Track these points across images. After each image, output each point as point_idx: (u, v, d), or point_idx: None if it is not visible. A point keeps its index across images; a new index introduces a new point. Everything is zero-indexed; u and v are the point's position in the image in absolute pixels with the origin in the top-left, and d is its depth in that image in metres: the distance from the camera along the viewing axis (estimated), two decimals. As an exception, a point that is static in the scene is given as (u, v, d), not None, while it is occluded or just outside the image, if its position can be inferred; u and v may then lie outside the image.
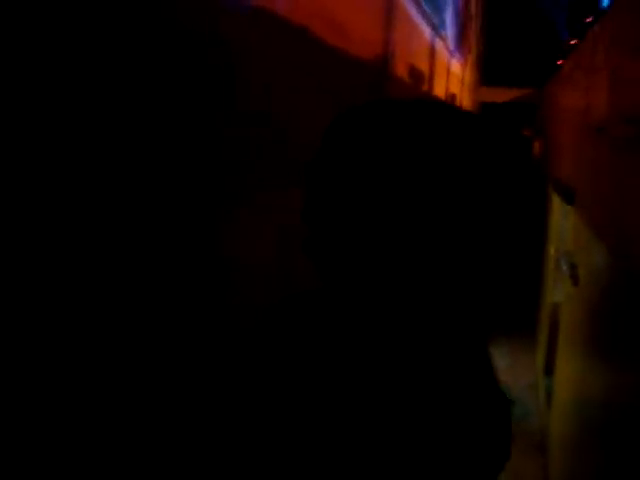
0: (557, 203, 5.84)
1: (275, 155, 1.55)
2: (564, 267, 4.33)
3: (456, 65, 6.19)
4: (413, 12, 3.85)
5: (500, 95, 9.32)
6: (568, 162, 4.67)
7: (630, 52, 2.92)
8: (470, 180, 0.85)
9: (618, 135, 2.81)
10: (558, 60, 6.26)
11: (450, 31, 5.49)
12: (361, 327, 0.91)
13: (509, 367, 6.06)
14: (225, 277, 1.31)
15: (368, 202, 0.86)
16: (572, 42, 5.66)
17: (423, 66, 4.42)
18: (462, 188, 0.84)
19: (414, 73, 4.16)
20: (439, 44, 5.02)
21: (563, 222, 5.52)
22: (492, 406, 0.92)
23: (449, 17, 5.46)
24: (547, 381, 5.17)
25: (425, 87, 4.68)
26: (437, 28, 4.88)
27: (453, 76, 6.12)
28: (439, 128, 0.86)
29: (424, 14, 4.22)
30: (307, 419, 0.89)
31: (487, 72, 8.48)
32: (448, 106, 0.91)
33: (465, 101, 7.25)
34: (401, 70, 3.73)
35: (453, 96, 6.29)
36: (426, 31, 4.43)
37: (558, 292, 5.80)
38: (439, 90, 5.40)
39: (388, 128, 0.86)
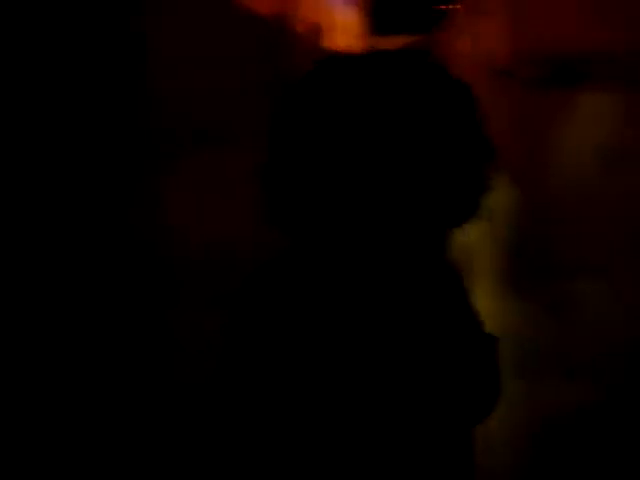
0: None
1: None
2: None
3: (349, 16, 6.20)
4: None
5: (390, 43, 9.43)
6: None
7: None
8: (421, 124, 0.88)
9: (524, 76, 2.92)
10: (445, 5, 6.38)
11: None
12: (342, 270, 0.94)
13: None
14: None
15: (331, 151, 0.88)
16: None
17: (321, 20, 4.40)
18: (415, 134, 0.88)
19: (314, 27, 4.14)
20: (334, -4, 5.00)
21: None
22: (478, 340, 0.97)
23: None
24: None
25: (324, 40, 4.67)
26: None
27: (347, 27, 6.12)
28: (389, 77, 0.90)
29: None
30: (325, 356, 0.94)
31: (376, 21, 8.53)
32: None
33: (358, 51, 7.29)
34: (301, 25, 3.70)
35: (349, 47, 6.31)
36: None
37: (469, 231, 6.07)
38: (337, 42, 5.40)
39: (343, 81, 0.88)
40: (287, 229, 0.97)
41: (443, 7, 6.76)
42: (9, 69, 0.77)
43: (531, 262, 2.42)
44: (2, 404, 0.79)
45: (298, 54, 3.56)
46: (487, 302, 3.88)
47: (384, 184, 0.89)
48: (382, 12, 8.71)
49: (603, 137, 2.19)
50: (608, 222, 2.17)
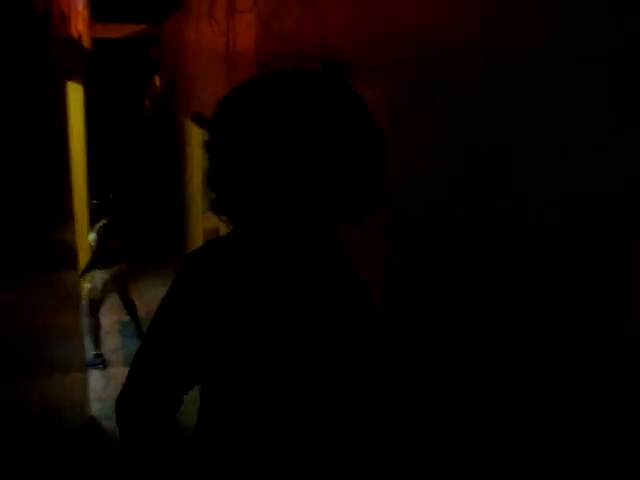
0: (198, 135, 6.25)
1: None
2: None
3: (81, 3, 6.01)
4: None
5: (114, 31, 9.19)
6: (213, 97, 5.02)
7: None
8: (317, 126, 1.14)
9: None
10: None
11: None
12: (272, 244, 1.20)
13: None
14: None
15: (258, 151, 1.13)
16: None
17: (64, 5, 4.27)
18: (313, 133, 1.13)
19: (61, 14, 4.02)
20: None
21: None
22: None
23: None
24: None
25: (64, 28, 4.52)
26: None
27: (80, 14, 5.94)
28: (297, 93, 1.15)
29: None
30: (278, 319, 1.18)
31: (99, 8, 8.23)
32: (297, 74, 1.19)
33: (85, 38, 7.04)
34: (54, 11, 3.59)
35: (80, 34, 6.11)
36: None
37: (211, 219, 6.30)
38: (73, 29, 5.23)
39: (265, 95, 1.15)
40: (228, 217, 1.21)
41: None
42: None
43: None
44: None
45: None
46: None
47: (299, 182, 1.13)
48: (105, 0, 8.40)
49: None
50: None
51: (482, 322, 1.84)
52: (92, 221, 5.63)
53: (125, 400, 1.22)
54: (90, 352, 4.91)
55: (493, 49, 1.75)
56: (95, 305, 5.18)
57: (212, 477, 1.25)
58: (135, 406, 1.21)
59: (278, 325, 1.18)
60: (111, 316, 5.95)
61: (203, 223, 6.36)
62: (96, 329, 5.16)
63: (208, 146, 1.22)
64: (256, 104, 1.16)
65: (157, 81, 9.57)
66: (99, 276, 5.21)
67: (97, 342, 5.14)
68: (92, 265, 5.11)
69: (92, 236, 5.22)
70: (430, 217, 2.08)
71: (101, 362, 4.99)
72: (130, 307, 5.59)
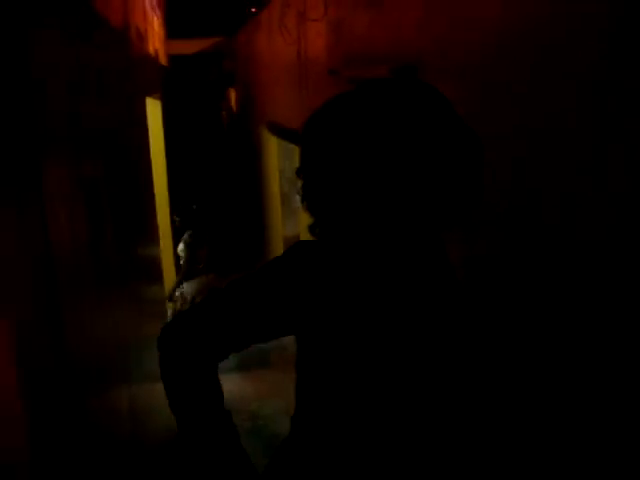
0: (275, 144, 6.32)
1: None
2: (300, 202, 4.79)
3: (157, 21, 6.19)
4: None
5: (188, 47, 9.44)
6: (287, 105, 5.08)
7: (349, 2, 3.32)
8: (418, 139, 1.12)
9: (350, 75, 3.22)
10: (251, 7, 6.60)
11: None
12: (369, 253, 1.19)
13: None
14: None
15: (355, 166, 1.13)
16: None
17: (141, 25, 4.41)
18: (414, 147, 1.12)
19: (138, 33, 4.15)
20: (148, 1, 5.00)
21: (287, 162, 6.05)
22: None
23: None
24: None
25: (145, 45, 4.67)
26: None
27: (156, 33, 6.12)
28: (392, 105, 1.14)
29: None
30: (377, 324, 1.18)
31: (174, 25, 8.48)
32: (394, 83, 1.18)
33: (161, 56, 7.26)
34: (132, 31, 3.71)
35: (156, 51, 6.29)
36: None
37: (290, 226, 6.37)
38: (151, 47, 5.39)
39: (360, 109, 1.15)
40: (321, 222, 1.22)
41: (247, 10, 6.97)
42: None
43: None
44: None
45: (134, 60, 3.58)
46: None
47: (396, 192, 1.13)
48: (177, 16, 8.65)
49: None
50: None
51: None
52: (175, 235, 5.78)
53: (176, 329, 1.23)
54: None
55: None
56: None
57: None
58: (185, 337, 1.21)
59: (374, 326, 1.17)
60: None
61: (283, 231, 6.44)
62: None
63: (301, 169, 1.22)
64: (346, 119, 1.15)
65: (232, 93, 9.75)
66: (186, 288, 5.34)
67: None
68: (185, 274, 5.24)
69: (180, 246, 5.35)
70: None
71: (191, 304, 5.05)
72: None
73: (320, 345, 1.19)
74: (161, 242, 4.57)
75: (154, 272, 3.79)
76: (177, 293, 5.28)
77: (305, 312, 1.18)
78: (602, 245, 1.58)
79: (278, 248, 6.32)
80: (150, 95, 5.09)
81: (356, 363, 1.18)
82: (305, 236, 1.28)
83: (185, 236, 5.34)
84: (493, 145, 2.08)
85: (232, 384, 4.83)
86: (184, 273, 5.21)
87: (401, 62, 2.55)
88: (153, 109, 5.54)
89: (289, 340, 1.29)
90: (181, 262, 5.34)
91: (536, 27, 1.78)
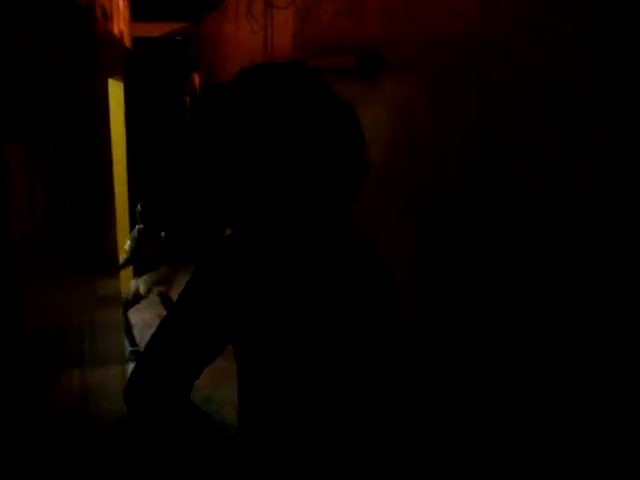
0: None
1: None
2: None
3: (122, 2, 6.10)
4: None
5: (153, 30, 9.31)
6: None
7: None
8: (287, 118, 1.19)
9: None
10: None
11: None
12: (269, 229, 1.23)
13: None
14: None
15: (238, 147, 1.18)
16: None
17: (106, 4, 4.34)
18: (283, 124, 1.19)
19: (104, 12, 4.08)
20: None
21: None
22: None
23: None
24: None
25: (110, 25, 4.60)
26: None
27: (121, 13, 6.03)
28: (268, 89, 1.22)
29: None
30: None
31: (139, 7, 8.34)
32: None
33: (126, 37, 7.14)
34: (97, 9, 3.65)
35: (121, 32, 6.20)
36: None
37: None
38: (115, 28, 5.31)
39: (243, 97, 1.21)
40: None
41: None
42: None
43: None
44: None
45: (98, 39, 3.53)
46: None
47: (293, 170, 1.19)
48: (144, -1, 8.46)
49: (401, 117, 2.54)
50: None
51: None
52: (132, 223, 5.74)
53: (136, 384, 1.22)
54: (127, 349, 5.13)
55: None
56: (126, 306, 5.37)
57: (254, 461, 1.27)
58: (147, 389, 1.20)
59: (302, 308, 1.19)
60: (152, 310, 6.05)
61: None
62: (128, 327, 5.34)
63: (190, 151, 1.27)
64: (228, 102, 1.22)
65: (196, 79, 9.66)
66: (135, 281, 5.42)
67: (132, 339, 5.29)
68: (122, 267, 5.22)
69: (127, 243, 5.36)
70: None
71: (137, 357, 5.09)
72: (169, 304, 5.68)
73: (258, 337, 1.20)
74: (118, 228, 4.52)
75: (110, 258, 3.75)
76: (130, 287, 5.36)
77: (240, 309, 1.18)
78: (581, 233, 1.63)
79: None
80: (112, 76, 5.01)
81: (292, 346, 1.19)
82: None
83: (133, 232, 5.37)
84: (448, 132, 2.13)
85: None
86: (122, 265, 5.19)
87: (366, 52, 2.58)
88: (115, 91, 5.46)
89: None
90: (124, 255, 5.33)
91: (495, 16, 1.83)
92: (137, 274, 5.47)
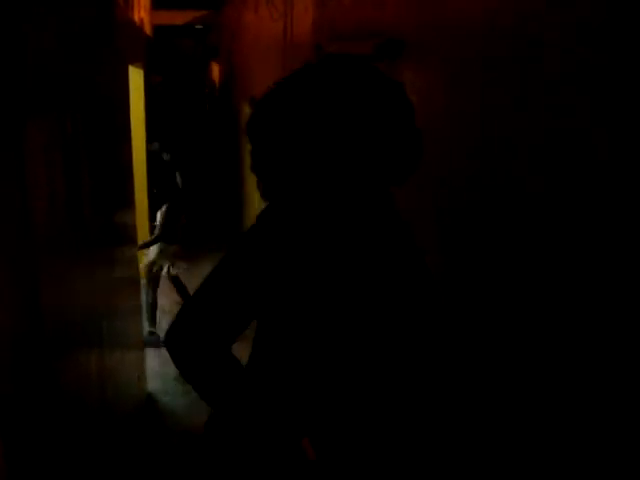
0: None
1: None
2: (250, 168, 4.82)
3: (142, -11, 6.10)
4: None
5: (173, 18, 9.33)
6: (271, 82, 5.05)
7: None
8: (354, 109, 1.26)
9: (334, 51, 3.21)
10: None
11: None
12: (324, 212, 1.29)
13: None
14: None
15: (304, 134, 1.25)
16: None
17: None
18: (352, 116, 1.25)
19: (125, 0, 4.09)
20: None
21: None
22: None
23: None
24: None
25: (130, 13, 4.61)
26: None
27: (142, 1, 6.04)
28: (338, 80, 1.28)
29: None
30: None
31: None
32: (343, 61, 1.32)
33: (146, 25, 7.16)
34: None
35: (142, 20, 6.21)
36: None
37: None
38: (136, 15, 5.33)
39: (311, 83, 1.28)
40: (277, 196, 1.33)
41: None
42: None
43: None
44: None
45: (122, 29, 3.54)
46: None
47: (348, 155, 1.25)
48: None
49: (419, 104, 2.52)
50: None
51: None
52: (152, 207, 5.76)
53: (180, 331, 1.29)
54: (145, 329, 4.99)
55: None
56: (154, 281, 5.29)
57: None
58: (191, 336, 1.28)
59: (344, 280, 1.25)
60: (169, 297, 6.06)
61: (260, 206, 6.42)
62: (153, 307, 5.26)
63: (250, 131, 1.34)
64: (297, 89, 1.28)
65: (215, 67, 9.66)
66: (154, 250, 5.31)
67: (153, 319, 5.24)
68: (155, 241, 5.23)
69: (158, 217, 5.34)
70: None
71: (155, 340, 5.03)
72: (181, 291, 5.64)
73: (290, 305, 1.26)
74: (137, 211, 4.55)
75: (129, 239, 3.78)
76: (145, 261, 5.30)
77: (280, 279, 1.25)
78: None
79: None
80: (133, 64, 5.03)
81: (333, 318, 1.25)
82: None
83: (163, 208, 5.33)
84: (464, 123, 2.11)
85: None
86: (154, 240, 5.21)
87: (385, 38, 2.56)
88: (135, 78, 5.48)
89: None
90: (156, 230, 5.34)
91: (522, 12, 1.80)
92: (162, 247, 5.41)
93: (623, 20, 1.38)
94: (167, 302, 5.98)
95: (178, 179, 5.62)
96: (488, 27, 1.98)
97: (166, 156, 5.58)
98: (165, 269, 5.46)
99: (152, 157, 5.48)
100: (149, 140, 6.12)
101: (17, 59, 1.45)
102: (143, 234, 5.64)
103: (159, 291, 5.45)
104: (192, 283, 5.90)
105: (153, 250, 5.31)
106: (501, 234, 1.92)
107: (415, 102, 2.55)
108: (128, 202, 3.71)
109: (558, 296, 1.64)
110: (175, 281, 5.63)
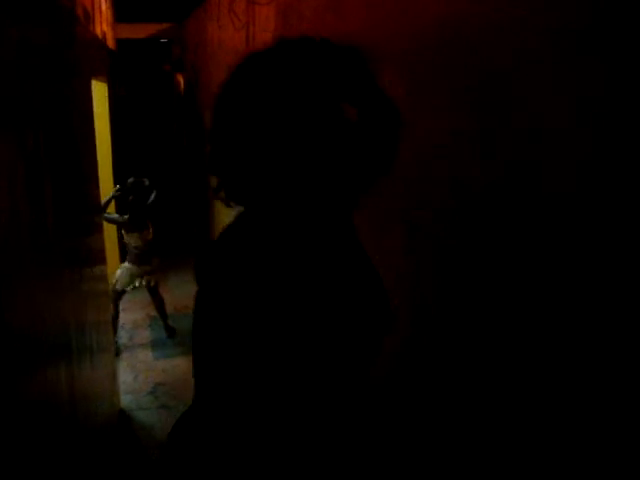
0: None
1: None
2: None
3: (105, 3, 6.08)
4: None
5: (137, 31, 9.29)
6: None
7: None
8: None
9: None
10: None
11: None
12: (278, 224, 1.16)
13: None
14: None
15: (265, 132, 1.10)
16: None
17: (88, 5, 4.32)
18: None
19: (85, 14, 4.07)
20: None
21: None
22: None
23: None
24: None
25: (92, 27, 4.58)
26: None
27: (104, 15, 6.01)
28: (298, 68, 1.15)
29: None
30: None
31: (122, 9, 8.32)
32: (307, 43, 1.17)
33: (109, 39, 7.12)
34: (78, 11, 3.65)
35: (104, 34, 6.18)
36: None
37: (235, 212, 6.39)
38: (98, 29, 5.30)
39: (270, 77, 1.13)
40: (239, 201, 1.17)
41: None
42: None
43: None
44: None
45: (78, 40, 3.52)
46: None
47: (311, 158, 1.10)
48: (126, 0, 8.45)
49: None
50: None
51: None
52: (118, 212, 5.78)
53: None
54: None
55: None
56: (116, 296, 5.34)
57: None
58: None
59: (282, 314, 1.11)
60: (142, 310, 6.03)
61: (228, 217, 6.42)
62: (114, 318, 5.30)
63: (212, 134, 1.20)
64: (253, 83, 1.15)
65: (180, 79, 9.64)
66: (126, 269, 5.35)
67: (115, 329, 5.28)
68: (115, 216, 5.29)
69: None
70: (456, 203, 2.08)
71: (115, 350, 4.99)
72: (158, 303, 5.66)
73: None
74: (104, 226, 4.52)
75: (96, 254, 3.75)
76: (115, 274, 5.34)
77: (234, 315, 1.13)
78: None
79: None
80: (96, 77, 5.00)
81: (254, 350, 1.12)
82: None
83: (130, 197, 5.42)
84: (423, 132, 2.14)
85: (177, 369, 4.81)
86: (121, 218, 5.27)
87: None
88: (99, 91, 5.45)
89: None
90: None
91: (469, 18, 1.84)
92: (128, 262, 5.43)
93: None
94: (140, 316, 5.95)
95: (152, 196, 5.62)
96: (436, 36, 2.02)
97: (147, 182, 5.57)
98: (144, 282, 5.49)
99: (132, 191, 5.48)
100: (115, 151, 6.10)
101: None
102: (112, 251, 5.60)
103: (133, 306, 5.46)
104: (171, 296, 5.90)
105: (127, 267, 5.36)
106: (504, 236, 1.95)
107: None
108: (93, 216, 3.68)
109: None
110: (154, 296, 5.66)
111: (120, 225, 5.41)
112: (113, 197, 5.39)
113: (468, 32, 1.87)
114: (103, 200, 5.02)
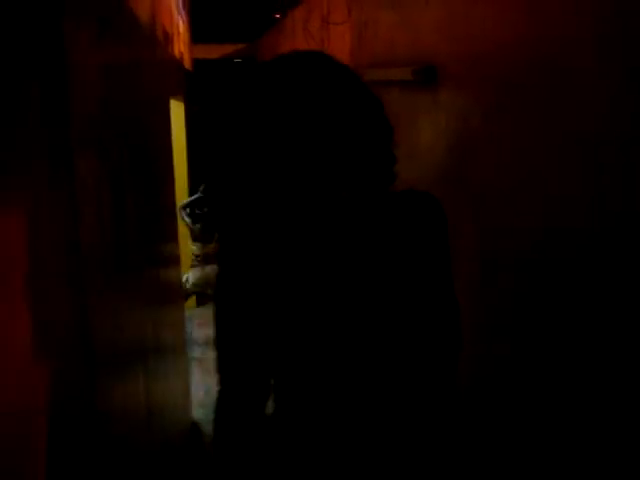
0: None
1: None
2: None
3: (182, 25, 6.26)
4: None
5: (213, 51, 9.54)
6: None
7: (372, 6, 3.36)
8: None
9: (373, 77, 3.24)
10: (275, 13, 6.65)
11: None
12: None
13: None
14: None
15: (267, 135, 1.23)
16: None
17: (167, 27, 4.47)
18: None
19: (165, 36, 4.21)
20: (174, 4, 5.07)
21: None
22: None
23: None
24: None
25: (171, 48, 4.73)
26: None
27: (181, 36, 6.19)
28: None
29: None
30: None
31: (198, 29, 8.58)
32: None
33: (186, 59, 7.33)
34: (159, 33, 3.77)
35: (182, 54, 6.36)
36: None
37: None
38: (176, 50, 5.46)
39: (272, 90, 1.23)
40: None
41: (271, 16, 7.02)
42: None
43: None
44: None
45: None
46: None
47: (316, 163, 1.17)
48: (203, 20, 8.73)
49: (457, 123, 2.54)
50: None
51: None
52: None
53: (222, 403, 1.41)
54: None
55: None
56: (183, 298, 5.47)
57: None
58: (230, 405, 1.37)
59: (301, 269, 1.26)
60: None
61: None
62: None
63: (212, 151, 1.36)
64: (261, 89, 1.25)
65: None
66: (193, 273, 5.45)
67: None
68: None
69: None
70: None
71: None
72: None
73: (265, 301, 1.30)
74: (180, 234, 4.65)
75: (172, 266, 3.84)
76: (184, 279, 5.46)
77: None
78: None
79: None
80: (174, 96, 5.15)
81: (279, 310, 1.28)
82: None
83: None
84: (505, 146, 2.11)
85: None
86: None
87: (422, 64, 2.59)
88: (176, 110, 5.61)
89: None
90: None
91: (556, 37, 1.81)
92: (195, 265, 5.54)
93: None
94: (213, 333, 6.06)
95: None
96: (518, 53, 2.00)
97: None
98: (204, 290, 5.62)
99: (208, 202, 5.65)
100: (191, 165, 6.30)
101: (69, 88, 1.51)
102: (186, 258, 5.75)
103: (206, 321, 5.57)
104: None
105: (194, 271, 5.47)
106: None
107: (449, 123, 2.57)
108: (171, 227, 3.78)
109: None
110: None
111: (189, 231, 5.54)
112: (198, 198, 5.51)
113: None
114: (187, 200, 5.17)
